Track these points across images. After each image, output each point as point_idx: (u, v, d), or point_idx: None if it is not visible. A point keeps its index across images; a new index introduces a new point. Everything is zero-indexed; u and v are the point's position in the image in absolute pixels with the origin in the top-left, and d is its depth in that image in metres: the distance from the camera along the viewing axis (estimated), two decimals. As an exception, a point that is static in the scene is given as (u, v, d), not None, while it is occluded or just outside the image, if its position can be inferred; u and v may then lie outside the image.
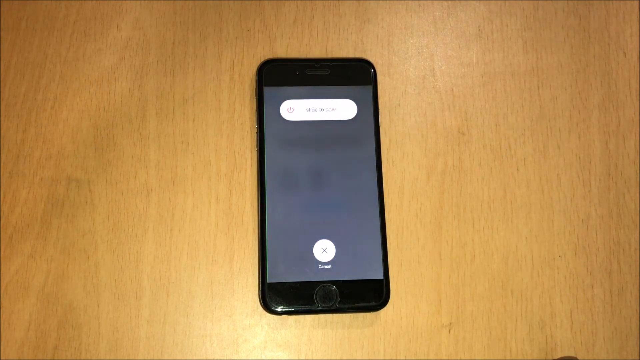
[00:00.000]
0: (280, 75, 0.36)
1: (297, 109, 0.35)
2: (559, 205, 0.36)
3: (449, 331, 0.34)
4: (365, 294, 0.33)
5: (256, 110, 0.35)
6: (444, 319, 0.34)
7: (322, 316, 0.34)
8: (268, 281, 0.33)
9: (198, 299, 0.34)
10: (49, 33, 0.37)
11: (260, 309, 0.33)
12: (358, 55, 0.38)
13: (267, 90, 0.35)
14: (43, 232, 0.34)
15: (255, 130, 0.35)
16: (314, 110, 0.35)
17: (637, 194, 0.36)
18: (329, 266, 0.33)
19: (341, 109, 0.35)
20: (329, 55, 0.37)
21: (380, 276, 0.33)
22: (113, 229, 0.34)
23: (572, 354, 0.34)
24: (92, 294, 0.33)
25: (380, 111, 0.36)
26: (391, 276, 0.34)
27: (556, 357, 0.34)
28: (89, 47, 0.37)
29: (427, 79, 0.38)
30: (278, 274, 0.33)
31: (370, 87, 0.36)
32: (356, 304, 0.33)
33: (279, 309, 0.32)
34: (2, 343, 0.33)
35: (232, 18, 0.38)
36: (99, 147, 0.35)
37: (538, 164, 0.37)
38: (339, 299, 0.33)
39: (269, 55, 0.37)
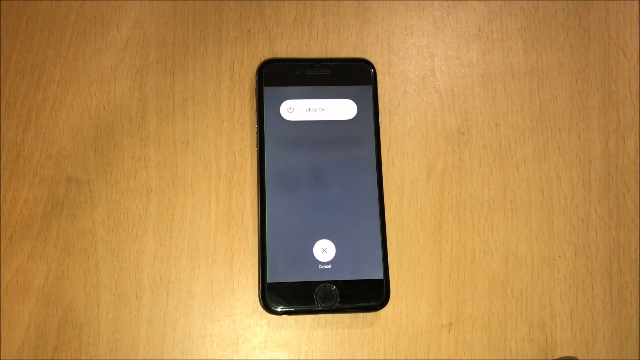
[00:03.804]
0: (280, 75, 0.36)
1: (297, 109, 0.35)
2: (559, 205, 0.36)
3: (449, 331, 0.34)
4: (365, 294, 0.33)
5: (256, 110, 0.35)
6: (444, 319, 0.34)
7: (322, 316, 0.34)
8: (268, 281, 0.33)
9: (198, 299, 0.34)
10: (49, 33, 0.37)
11: (260, 309, 0.33)
12: (358, 55, 0.38)
13: (267, 90, 0.35)
14: (43, 232, 0.34)
15: (255, 130, 0.35)
16: (314, 110, 0.35)
17: (637, 194, 0.36)
18: (329, 266, 0.33)
19: (341, 109, 0.35)
20: (329, 55, 0.37)
21: (380, 276, 0.33)
22: (113, 229, 0.34)
23: (572, 354, 0.34)
24: (92, 294, 0.33)
25: (380, 111, 0.36)
26: (391, 276, 0.34)
27: (556, 357, 0.34)
28: (89, 47, 0.37)
29: (427, 79, 0.38)
30: (278, 274, 0.33)
31: (370, 87, 0.36)
32: (356, 304, 0.33)
33: (279, 309, 0.32)
34: (2, 343, 0.33)
35: (232, 18, 0.38)
36: (99, 147, 0.35)
37: (538, 164, 0.37)
38: (339, 299, 0.33)
39: (269, 55, 0.37)
